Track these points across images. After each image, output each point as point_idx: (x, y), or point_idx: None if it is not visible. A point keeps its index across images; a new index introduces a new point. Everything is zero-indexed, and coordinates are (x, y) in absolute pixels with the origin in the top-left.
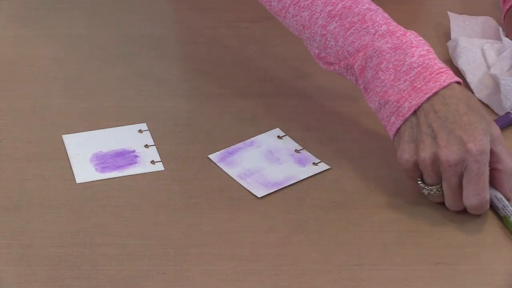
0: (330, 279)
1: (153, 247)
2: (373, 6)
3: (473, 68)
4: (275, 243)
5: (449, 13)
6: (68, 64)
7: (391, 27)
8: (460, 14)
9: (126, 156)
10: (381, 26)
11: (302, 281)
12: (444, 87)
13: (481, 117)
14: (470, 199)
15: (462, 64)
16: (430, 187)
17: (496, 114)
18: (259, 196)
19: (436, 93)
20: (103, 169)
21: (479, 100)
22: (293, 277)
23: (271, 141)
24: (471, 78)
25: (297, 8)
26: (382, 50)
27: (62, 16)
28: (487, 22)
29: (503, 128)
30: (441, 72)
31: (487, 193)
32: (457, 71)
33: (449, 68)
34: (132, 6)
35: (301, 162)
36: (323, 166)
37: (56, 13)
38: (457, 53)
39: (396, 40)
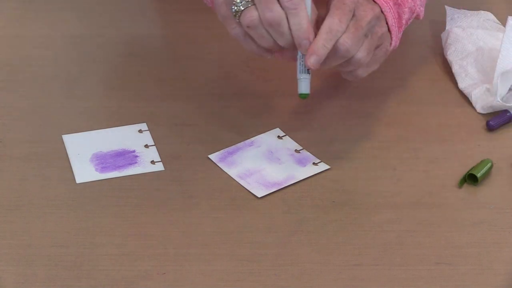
0: (330, 279)
1: (153, 247)
2: None
3: (460, 59)
4: (275, 243)
5: (446, 7)
6: (68, 64)
7: None
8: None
9: (126, 156)
10: None
11: (302, 281)
12: None
13: None
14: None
15: (450, 54)
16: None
17: (473, 107)
18: (259, 196)
19: None
20: (103, 169)
21: (462, 91)
22: (293, 277)
23: (271, 141)
24: (456, 69)
25: None
26: None
27: (62, 16)
28: (485, 16)
29: (500, 126)
30: None
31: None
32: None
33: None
34: (131, 6)
35: (301, 162)
36: (323, 166)
37: (55, 13)
38: (448, 44)
39: None
